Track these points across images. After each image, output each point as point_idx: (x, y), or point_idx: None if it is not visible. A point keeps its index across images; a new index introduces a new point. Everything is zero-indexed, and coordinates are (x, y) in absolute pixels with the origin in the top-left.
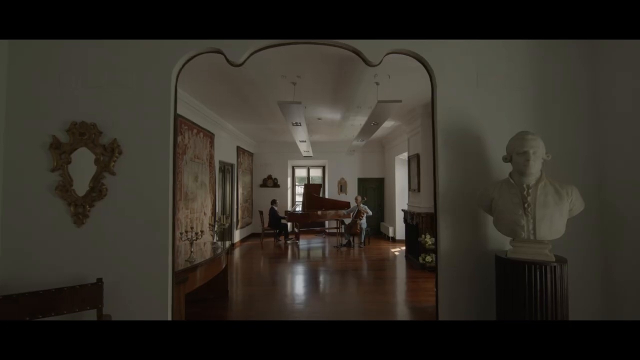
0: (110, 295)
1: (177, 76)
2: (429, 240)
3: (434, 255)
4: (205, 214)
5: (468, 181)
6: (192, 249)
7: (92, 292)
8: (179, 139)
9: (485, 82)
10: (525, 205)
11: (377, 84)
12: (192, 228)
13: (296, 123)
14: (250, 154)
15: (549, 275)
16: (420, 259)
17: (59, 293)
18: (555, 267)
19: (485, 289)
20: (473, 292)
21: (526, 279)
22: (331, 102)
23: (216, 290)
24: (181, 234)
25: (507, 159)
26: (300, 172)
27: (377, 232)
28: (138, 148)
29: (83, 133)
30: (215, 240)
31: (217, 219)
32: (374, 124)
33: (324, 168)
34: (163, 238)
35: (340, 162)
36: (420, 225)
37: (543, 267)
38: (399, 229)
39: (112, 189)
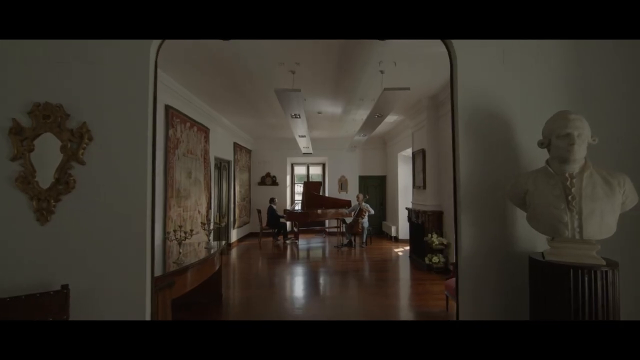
0: (78, 304)
1: (158, 52)
2: (436, 239)
3: (441, 256)
4: (199, 212)
5: (492, 172)
6: (181, 250)
7: (56, 301)
8: (171, 132)
9: (512, 58)
10: (569, 198)
11: (382, 72)
12: (180, 227)
13: (295, 115)
14: (248, 151)
15: (599, 282)
16: (426, 259)
17: (15, 302)
18: (606, 272)
19: (512, 292)
20: (499, 295)
21: (571, 285)
22: (332, 94)
23: (209, 293)
24: (168, 233)
25: (544, 143)
26: (300, 170)
27: (379, 231)
28: (111, 133)
29: (47, 116)
30: (208, 240)
31: (210, 217)
32: (378, 115)
33: (324, 165)
34: (141, 237)
35: (340, 160)
36: (426, 224)
37: (592, 271)
38: (402, 228)
39: (81, 180)
